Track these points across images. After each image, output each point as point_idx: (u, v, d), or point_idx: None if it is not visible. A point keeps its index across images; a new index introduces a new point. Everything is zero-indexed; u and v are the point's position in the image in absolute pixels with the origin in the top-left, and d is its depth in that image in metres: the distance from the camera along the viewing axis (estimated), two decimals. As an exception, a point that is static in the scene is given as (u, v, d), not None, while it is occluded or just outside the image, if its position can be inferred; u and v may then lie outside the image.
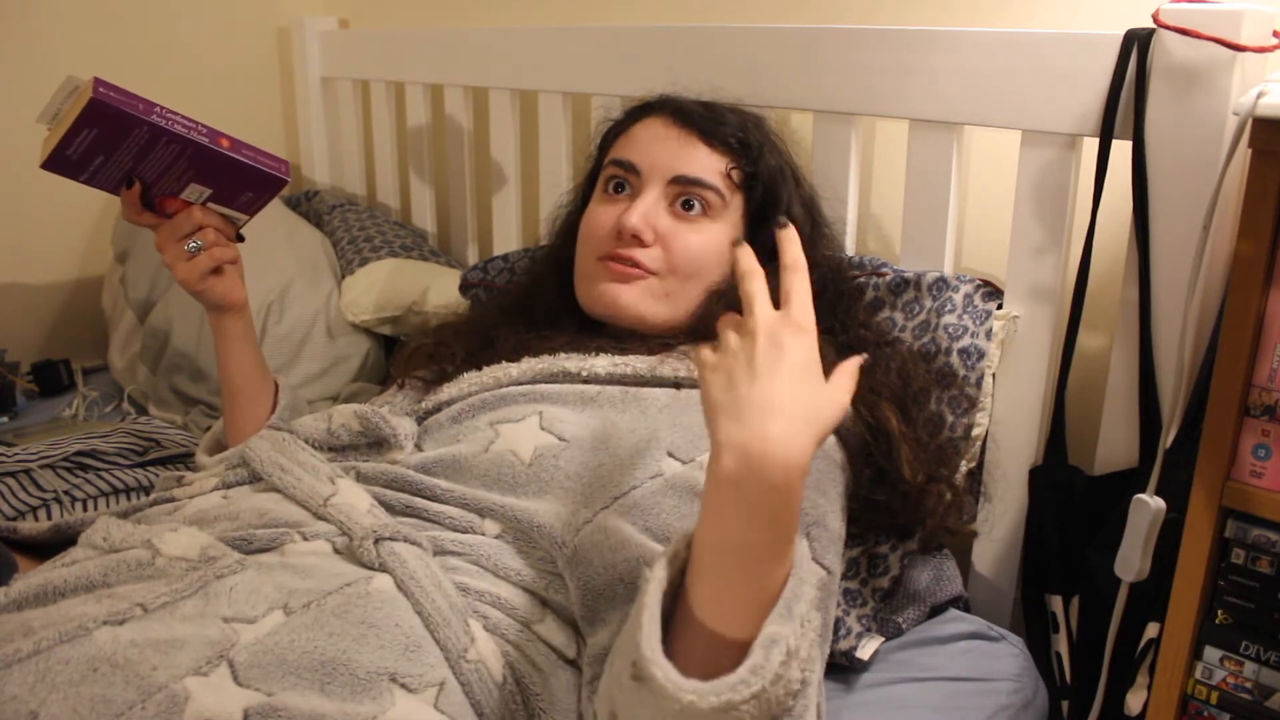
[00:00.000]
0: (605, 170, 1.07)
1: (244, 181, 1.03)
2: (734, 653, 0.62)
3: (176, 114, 0.98)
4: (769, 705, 0.60)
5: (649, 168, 1.02)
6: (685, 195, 1.01)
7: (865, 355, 0.72)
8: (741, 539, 0.62)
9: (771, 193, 1.04)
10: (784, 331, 0.64)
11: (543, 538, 0.83)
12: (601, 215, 1.03)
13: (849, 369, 0.68)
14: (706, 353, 0.67)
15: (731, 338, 0.66)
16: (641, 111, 1.09)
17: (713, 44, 1.27)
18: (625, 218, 0.99)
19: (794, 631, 0.61)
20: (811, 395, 0.63)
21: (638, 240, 0.99)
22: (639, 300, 1.00)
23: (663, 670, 0.60)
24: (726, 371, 0.64)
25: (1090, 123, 0.98)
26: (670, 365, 0.95)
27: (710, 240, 1.01)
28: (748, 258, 0.68)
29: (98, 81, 0.94)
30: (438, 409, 0.98)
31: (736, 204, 1.03)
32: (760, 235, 1.05)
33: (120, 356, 1.71)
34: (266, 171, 1.03)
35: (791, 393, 0.62)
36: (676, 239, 1.00)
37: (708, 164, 1.02)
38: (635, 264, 0.99)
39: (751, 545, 0.62)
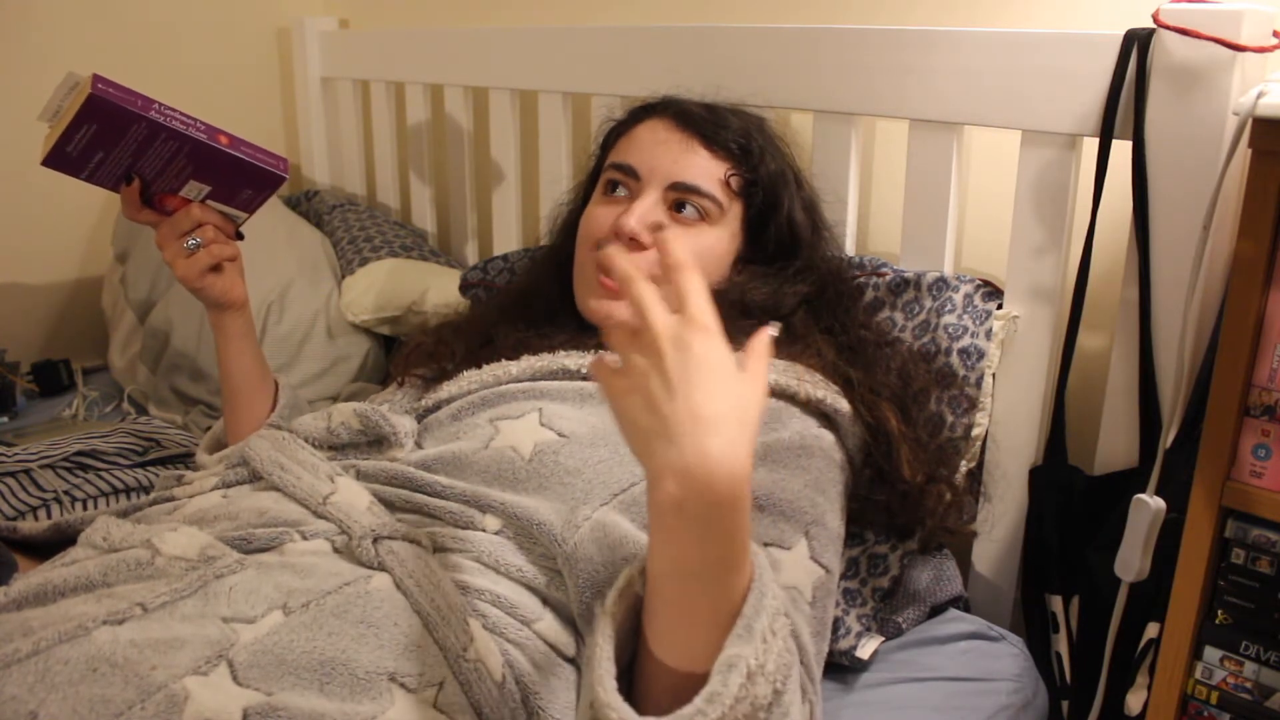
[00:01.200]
0: (605, 172, 1.07)
1: (243, 178, 1.03)
2: (698, 681, 0.60)
3: (175, 110, 0.98)
4: None
5: (648, 172, 1.02)
6: (683, 201, 1.01)
7: (776, 324, 0.68)
8: (697, 561, 0.60)
9: (771, 198, 1.04)
10: (689, 335, 0.59)
11: (542, 535, 0.83)
12: (600, 216, 1.03)
13: (758, 348, 0.64)
14: (612, 378, 0.62)
15: (635, 357, 0.60)
16: (644, 112, 1.09)
17: (712, 44, 1.27)
18: (623, 220, 0.99)
19: (755, 650, 0.59)
20: (736, 396, 0.59)
21: (636, 243, 0.99)
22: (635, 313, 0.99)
23: (618, 712, 0.59)
24: (641, 392, 0.59)
25: (1090, 123, 0.98)
26: None
27: (708, 246, 1.01)
28: (621, 260, 0.63)
29: (97, 78, 0.94)
30: (437, 407, 0.98)
31: (735, 210, 1.03)
32: (761, 239, 1.05)
33: (120, 356, 1.71)
34: (265, 168, 1.03)
35: (717, 400, 0.58)
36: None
37: (707, 170, 1.02)
38: None
39: (709, 565, 0.60)
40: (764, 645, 0.60)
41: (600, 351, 0.62)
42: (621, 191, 1.04)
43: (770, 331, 0.66)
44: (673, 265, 0.63)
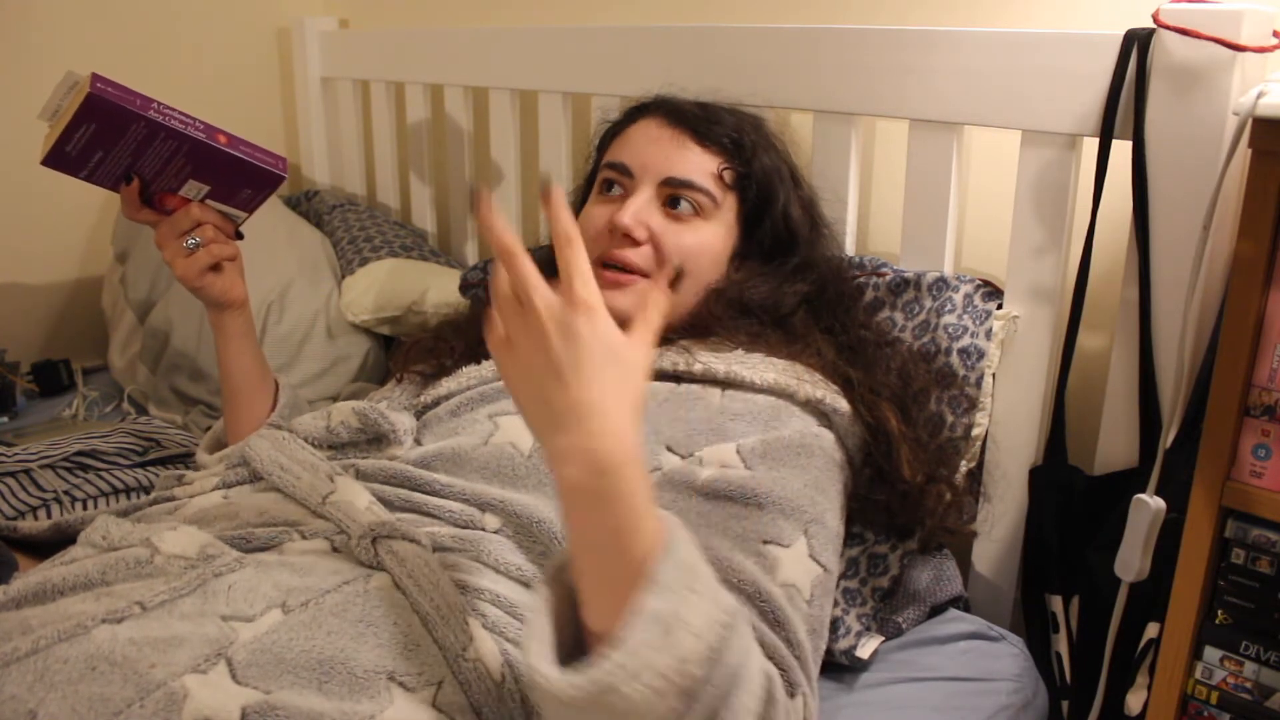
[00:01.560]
0: (600, 172, 1.08)
1: (242, 178, 1.03)
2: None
3: (174, 110, 0.99)
4: (665, 679, 0.58)
5: (641, 169, 1.02)
6: (676, 196, 1.01)
7: (666, 288, 0.70)
8: (600, 530, 0.62)
9: (765, 192, 1.04)
10: (573, 319, 0.62)
11: (542, 533, 0.83)
12: (595, 215, 1.04)
13: (647, 319, 0.66)
14: (503, 352, 0.65)
15: (521, 338, 0.63)
16: (637, 112, 1.10)
17: (712, 44, 1.27)
18: (618, 217, 0.99)
19: (664, 600, 0.59)
20: (619, 376, 0.63)
21: (629, 239, 0.99)
22: (632, 306, 1.00)
23: (542, 675, 0.60)
24: (531, 381, 0.63)
25: (1090, 123, 0.98)
26: (669, 358, 0.95)
27: (703, 240, 1.01)
28: (507, 234, 0.64)
29: (96, 77, 0.94)
30: (436, 403, 0.98)
31: (730, 204, 1.04)
32: (757, 234, 1.05)
33: (120, 356, 1.71)
34: (264, 168, 1.03)
35: (601, 385, 0.62)
36: (668, 238, 1.00)
37: (699, 165, 1.02)
38: (627, 267, 1.00)
39: (611, 533, 0.62)
40: (677, 596, 0.60)
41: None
42: (616, 190, 1.04)
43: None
44: (561, 237, 0.64)
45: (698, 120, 1.04)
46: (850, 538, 1.01)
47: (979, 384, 1.06)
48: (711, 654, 0.60)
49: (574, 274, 0.63)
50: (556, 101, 1.50)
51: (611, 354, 0.63)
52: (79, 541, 0.87)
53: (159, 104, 0.97)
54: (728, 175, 1.03)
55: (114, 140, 0.97)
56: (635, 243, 1.00)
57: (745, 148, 1.04)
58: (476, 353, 1.03)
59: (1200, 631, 0.84)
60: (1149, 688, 0.90)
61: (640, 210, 1.00)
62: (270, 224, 1.64)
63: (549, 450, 0.63)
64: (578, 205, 1.14)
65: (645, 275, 1.00)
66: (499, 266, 0.64)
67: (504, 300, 0.65)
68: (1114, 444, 1.01)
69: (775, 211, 1.04)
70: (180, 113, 0.99)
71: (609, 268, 1.01)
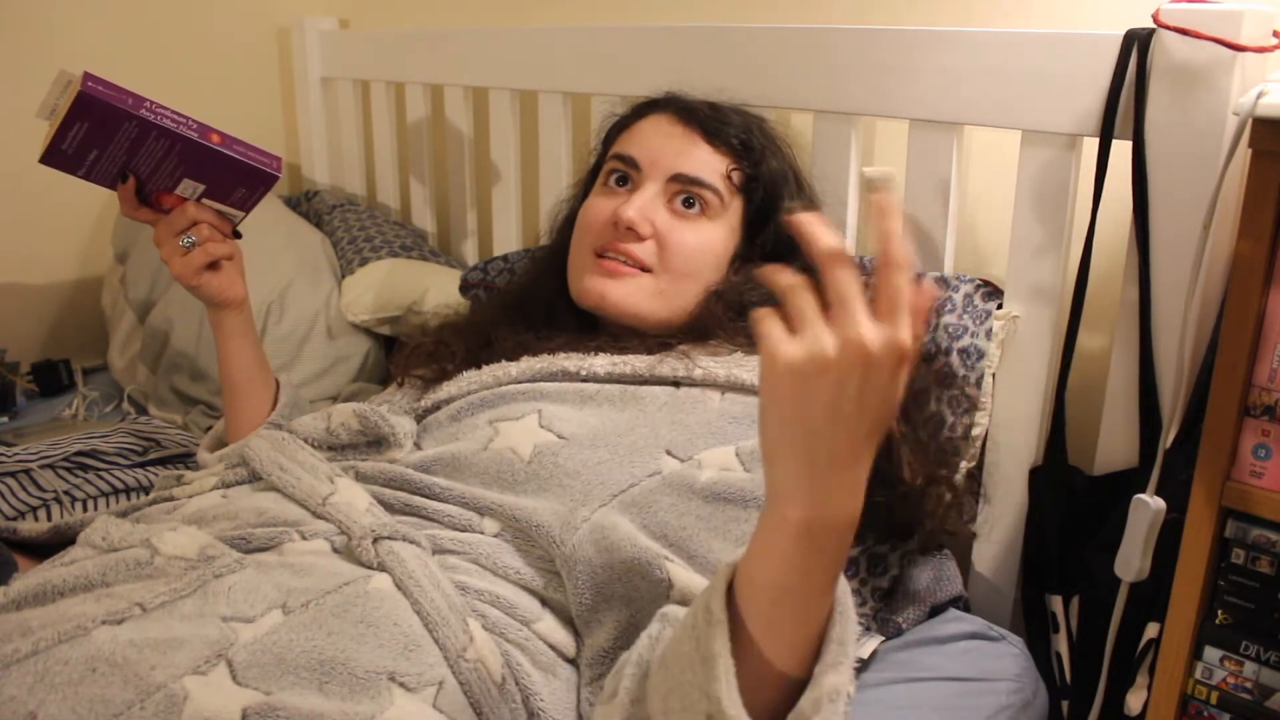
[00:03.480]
0: (607, 164, 1.07)
1: (236, 177, 1.03)
2: (778, 686, 0.62)
3: (166, 109, 0.99)
4: None
5: (650, 163, 1.02)
6: (684, 193, 1.01)
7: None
8: (802, 580, 0.60)
9: (772, 196, 1.04)
10: (894, 364, 0.55)
11: (541, 536, 0.83)
12: (599, 206, 1.03)
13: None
14: (791, 351, 0.55)
15: (831, 354, 0.54)
16: (647, 108, 1.09)
17: (713, 44, 1.27)
18: (622, 210, 0.99)
19: (849, 677, 0.61)
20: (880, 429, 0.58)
21: (633, 233, 0.99)
22: (628, 296, 0.99)
23: None
24: (829, 405, 0.55)
25: (1090, 123, 0.98)
26: (669, 364, 0.94)
27: (706, 240, 1.01)
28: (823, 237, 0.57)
29: (87, 76, 0.95)
30: (436, 407, 0.98)
31: (736, 206, 1.03)
32: (759, 238, 1.05)
33: (120, 356, 1.71)
34: (257, 167, 1.03)
35: (873, 438, 0.57)
36: (673, 235, 1.00)
37: (709, 164, 1.02)
38: (629, 258, 0.99)
39: (810, 584, 0.61)
40: (846, 668, 0.62)
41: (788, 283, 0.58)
42: (623, 183, 1.04)
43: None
44: (890, 263, 0.56)
45: (708, 119, 1.04)
46: (850, 537, 1.01)
47: (979, 384, 1.06)
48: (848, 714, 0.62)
49: (899, 308, 0.55)
50: (556, 101, 1.50)
51: (889, 407, 0.57)
52: (79, 542, 0.87)
53: (151, 103, 0.98)
54: (736, 177, 1.03)
55: (107, 139, 0.97)
56: (639, 237, 0.99)
57: (754, 150, 1.04)
58: (477, 357, 1.03)
59: (1200, 631, 0.84)
60: (1149, 688, 0.90)
61: (646, 205, 1.00)
62: (270, 224, 1.64)
63: (786, 479, 0.58)
64: (578, 200, 1.14)
65: (647, 270, 1.00)
66: (832, 271, 0.57)
67: (808, 312, 0.57)
68: (1114, 444, 1.01)
69: (780, 215, 1.04)
70: (173, 112, 0.99)
71: (608, 257, 1.00)
